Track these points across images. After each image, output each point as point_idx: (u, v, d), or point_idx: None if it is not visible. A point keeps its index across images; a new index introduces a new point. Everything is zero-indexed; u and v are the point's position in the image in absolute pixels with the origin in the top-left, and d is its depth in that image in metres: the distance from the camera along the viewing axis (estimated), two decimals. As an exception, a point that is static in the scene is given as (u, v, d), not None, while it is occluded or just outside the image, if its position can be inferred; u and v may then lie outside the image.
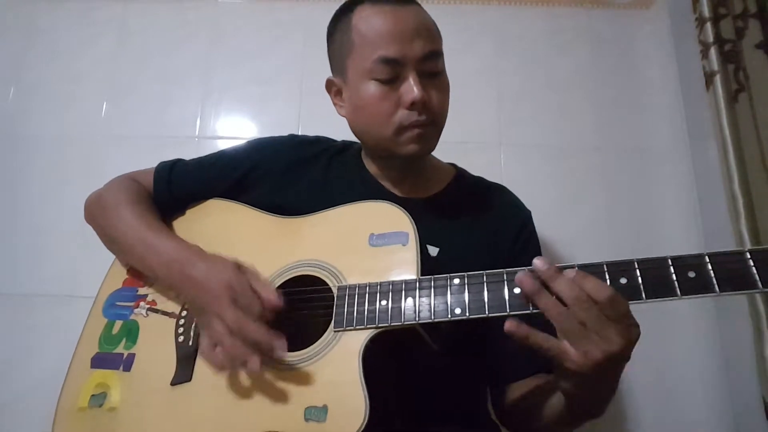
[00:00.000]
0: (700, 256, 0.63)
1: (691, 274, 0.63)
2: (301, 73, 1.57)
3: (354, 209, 0.88)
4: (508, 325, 0.66)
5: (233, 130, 1.55)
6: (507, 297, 0.70)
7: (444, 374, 0.87)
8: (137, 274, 0.96)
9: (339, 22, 0.96)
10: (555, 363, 0.68)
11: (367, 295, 0.76)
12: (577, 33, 1.60)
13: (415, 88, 0.86)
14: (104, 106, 1.56)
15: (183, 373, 0.82)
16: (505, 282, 0.71)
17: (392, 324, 0.73)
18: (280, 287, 0.85)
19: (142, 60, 1.60)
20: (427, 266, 0.78)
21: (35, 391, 1.31)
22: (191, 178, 1.03)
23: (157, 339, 0.88)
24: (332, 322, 0.77)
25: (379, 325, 0.74)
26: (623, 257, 0.67)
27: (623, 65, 1.57)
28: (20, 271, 1.43)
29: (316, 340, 0.77)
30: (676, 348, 1.35)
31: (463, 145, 1.47)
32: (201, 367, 0.82)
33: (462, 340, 0.90)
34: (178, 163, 1.06)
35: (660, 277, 0.64)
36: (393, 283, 0.76)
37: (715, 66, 1.30)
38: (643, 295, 0.64)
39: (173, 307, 0.90)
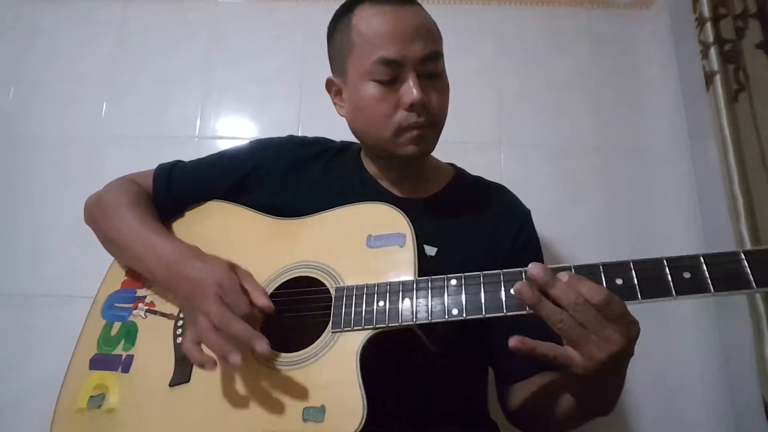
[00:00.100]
0: (695, 257, 0.64)
1: (687, 275, 0.63)
2: (301, 73, 1.57)
3: (352, 211, 0.88)
4: (514, 342, 0.65)
5: (233, 130, 1.55)
6: (504, 298, 0.70)
7: (442, 375, 0.87)
8: (136, 276, 0.96)
9: (339, 22, 0.95)
10: (562, 368, 0.68)
11: (364, 296, 0.76)
12: (577, 33, 1.60)
13: (414, 90, 0.86)
14: (104, 106, 1.56)
15: (181, 375, 0.82)
16: (502, 283, 0.71)
17: (390, 325, 0.73)
18: (278, 288, 0.85)
19: (142, 60, 1.61)
20: (425, 267, 0.78)
21: (35, 391, 1.31)
22: (190, 179, 1.03)
23: (155, 340, 0.88)
24: (330, 323, 0.77)
25: (377, 326, 0.74)
26: (623, 257, 0.67)
27: (623, 65, 1.57)
28: (20, 271, 1.43)
29: (314, 341, 0.77)
30: (676, 348, 1.35)
31: (463, 145, 1.47)
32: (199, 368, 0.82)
33: (459, 341, 0.90)
34: (177, 164, 1.06)
35: (655, 278, 0.64)
36: (390, 284, 0.76)
37: (715, 66, 1.30)
38: (639, 296, 0.65)
39: (171, 309, 0.90)
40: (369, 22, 0.89)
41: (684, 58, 1.47)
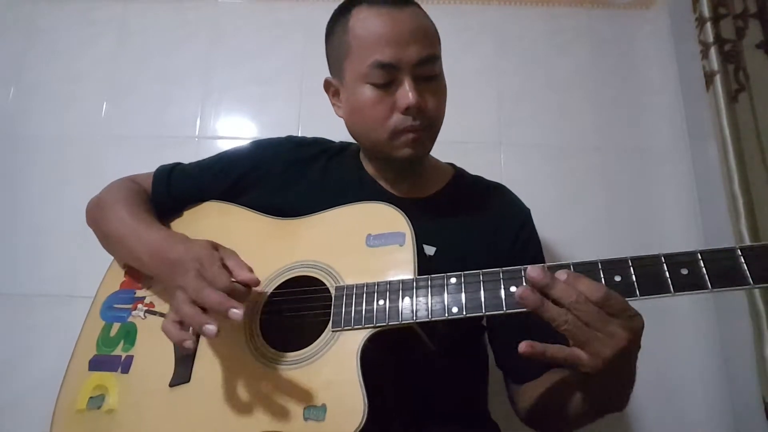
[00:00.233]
0: (693, 254, 0.64)
1: (684, 271, 0.64)
2: (301, 73, 1.57)
3: (351, 210, 0.88)
4: (523, 348, 0.65)
5: (233, 130, 1.55)
6: (504, 296, 0.70)
7: (442, 374, 0.87)
8: (135, 276, 0.96)
9: (336, 24, 0.95)
10: (571, 369, 0.68)
11: (364, 295, 0.76)
12: (577, 33, 1.60)
13: (410, 94, 0.86)
14: (104, 106, 1.56)
15: (181, 374, 0.82)
16: (502, 281, 0.71)
17: (390, 323, 0.73)
18: (278, 288, 0.85)
19: (142, 60, 1.61)
20: (424, 266, 0.78)
21: (35, 391, 1.31)
22: (190, 180, 1.04)
23: (155, 341, 0.87)
24: (330, 322, 0.77)
25: (377, 324, 0.74)
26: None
27: (623, 65, 1.57)
28: (20, 271, 1.43)
29: (315, 341, 0.77)
30: (676, 348, 1.35)
31: (463, 145, 1.47)
32: (200, 368, 0.82)
33: (459, 340, 0.90)
34: (177, 166, 1.07)
35: (653, 275, 0.65)
36: (390, 282, 0.76)
37: (715, 66, 1.30)
38: (637, 293, 0.65)
39: (171, 309, 0.90)
40: (365, 24, 0.89)
41: (684, 58, 1.47)
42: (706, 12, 1.34)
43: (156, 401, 0.82)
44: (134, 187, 1.01)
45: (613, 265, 0.67)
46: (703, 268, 0.63)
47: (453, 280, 0.73)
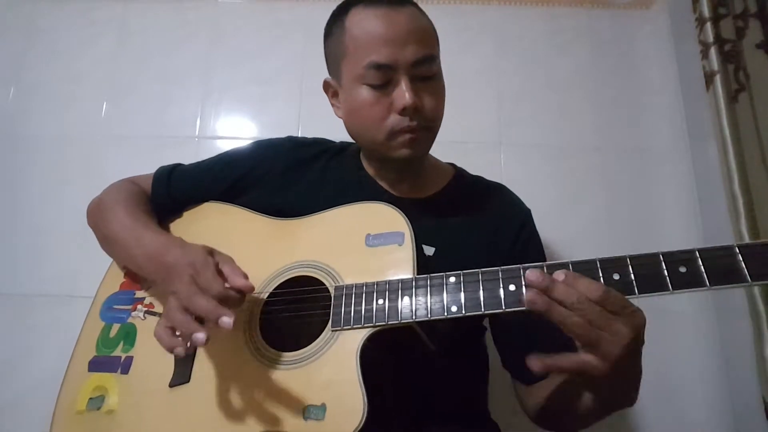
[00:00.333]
0: (691, 252, 0.65)
1: (682, 269, 0.64)
2: (301, 73, 1.57)
3: (350, 210, 0.88)
4: (537, 367, 0.65)
5: (233, 130, 1.55)
6: (503, 295, 0.70)
7: (442, 374, 0.87)
8: (134, 277, 0.96)
9: (333, 25, 0.95)
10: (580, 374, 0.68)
11: (363, 294, 0.76)
12: (577, 33, 1.60)
13: (407, 95, 0.86)
14: (104, 106, 1.57)
15: (181, 375, 0.82)
16: (501, 280, 0.71)
17: (389, 323, 0.73)
18: (277, 288, 0.85)
19: (142, 60, 1.61)
20: (424, 266, 0.78)
21: (35, 391, 1.31)
22: (190, 180, 1.04)
23: (154, 341, 0.86)
24: (330, 321, 0.77)
25: (376, 324, 0.74)
26: (623, 257, 0.68)
27: (623, 65, 1.57)
28: (20, 271, 1.43)
29: (314, 340, 0.77)
30: (676, 348, 1.35)
31: (463, 145, 1.47)
32: (199, 368, 0.82)
33: (459, 340, 0.90)
34: (177, 167, 1.06)
35: (652, 273, 0.65)
36: (389, 282, 0.76)
37: (715, 66, 1.30)
38: (636, 291, 0.65)
39: (171, 309, 0.90)
40: (361, 25, 0.89)
41: (684, 58, 1.47)
42: (706, 12, 1.34)
43: (156, 402, 0.82)
44: (134, 188, 1.01)
45: (612, 264, 0.67)
46: (702, 266, 0.63)
47: (452, 279, 0.73)
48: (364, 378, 0.70)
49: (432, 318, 0.72)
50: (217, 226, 0.98)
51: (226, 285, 0.75)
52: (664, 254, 0.65)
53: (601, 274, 0.66)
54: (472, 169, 1.11)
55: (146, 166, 1.08)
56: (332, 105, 1.00)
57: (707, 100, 1.32)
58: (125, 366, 0.87)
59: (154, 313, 0.91)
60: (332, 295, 0.78)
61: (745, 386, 1.20)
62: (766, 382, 1.12)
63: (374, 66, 0.86)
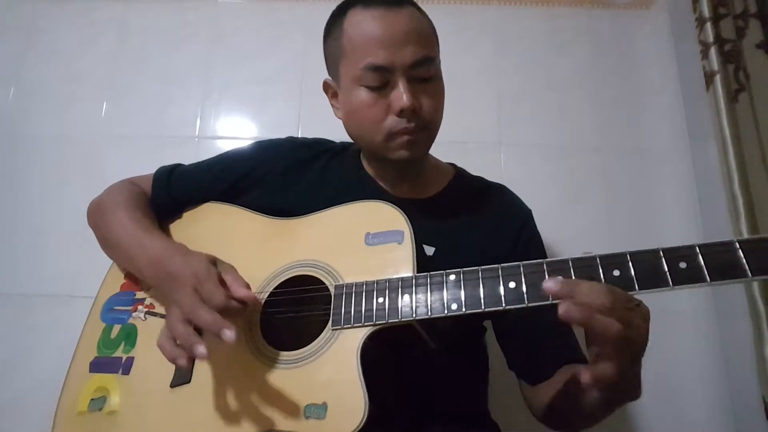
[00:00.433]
0: (691, 247, 0.64)
1: (683, 265, 0.64)
2: (301, 73, 1.57)
3: (350, 209, 0.88)
4: (587, 378, 0.63)
5: (233, 130, 1.55)
6: (503, 292, 0.70)
7: (443, 373, 0.87)
8: (135, 278, 0.96)
9: (332, 26, 0.95)
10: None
11: (363, 293, 0.76)
12: (577, 33, 1.60)
13: (404, 96, 0.85)
14: (104, 106, 1.57)
15: (182, 375, 0.82)
16: (501, 277, 0.70)
17: (389, 321, 0.73)
18: (277, 287, 0.85)
19: (142, 60, 1.61)
20: (423, 266, 0.78)
21: (35, 391, 1.31)
22: (190, 181, 1.04)
23: (155, 342, 0.87)
24: (330, 320, 0.77)
25: (377, 322, 0.74)
26: (623, 257, 0.67)
27: (623, 65, 1.57)
28: (20, 271, 1.43)
29: (314, 339, 0.77)
30: (676, 348, 1.34)
31: (463, 145, 1.47)
32: (200, 368, 0.82)
33: (459, 339, 0.90)
34: (177, 167, 1.06)
35: (652, 269, 0.65)
36: (389, 280, 0.76)
37: (715, 66, 1.30)
38: (636, 287, 0.65)
39: (171, 310, 0.90)
40: (358, 27, 0.89)
41: (684, 58, 1.47)
42: (706, 12, 1.33)
43: (157, 402, 0.82)
44: (135, 189, 1.01)
45: (612, 260, 0.67)
46: (702, 262, 0.63)
47: (452, 277, 0.73)
48: (364, 376, 0.70)
49: (432, 316, 0.72)
50: (218, 227, 0.98)
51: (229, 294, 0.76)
52: (664, 250, 0.65)
53: (601, 271, 0.66)
54: (472, 169, 1.11)
55: (146, 166, 1.07)
56: (332, 105, 1.00)
57: (707, 100, 1.32)
58: (126, 367, 0.87)
59: (155, 314, 0.91)
60: (332, 294, 0.78)
61: (745, 386, 1.20)
62: (766, 382, 1.12)
63: (371, 68, 0.86)
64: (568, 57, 1.58)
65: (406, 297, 0.74)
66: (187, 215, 1.02)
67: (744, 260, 0.62)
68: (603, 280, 0.65)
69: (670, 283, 0.64)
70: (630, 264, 0.66)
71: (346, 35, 0.90)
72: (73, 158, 1.51)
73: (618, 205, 1.45)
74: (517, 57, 1.58)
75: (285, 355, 0.77)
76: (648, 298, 0.64)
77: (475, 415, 0.96)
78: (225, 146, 1.12)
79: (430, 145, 0.96)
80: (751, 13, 1.33)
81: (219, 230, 0.97)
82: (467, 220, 0.98)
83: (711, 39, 1.31)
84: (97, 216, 1.00)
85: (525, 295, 0.68)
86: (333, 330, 0.76)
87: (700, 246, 0.64)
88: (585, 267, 0.67)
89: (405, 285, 0.75)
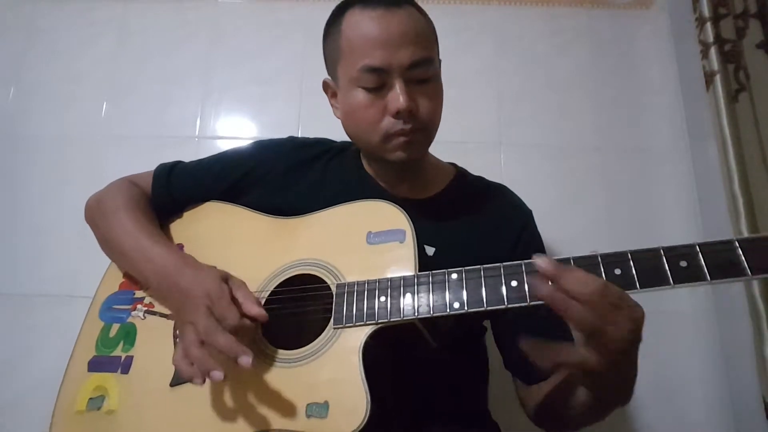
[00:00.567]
0: (692, 246, 0.65)
1: (683, 264, 0.65)
2: (301, 73, 1.57)
3: (351, 208, 0.88)
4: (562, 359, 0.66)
5: (233, 130, 1.55)
6: (505, 291, 0.70)
7: (444, 372, 0.87)
8: (134, 278, 0.95)
9: (331, 27, 0.95)
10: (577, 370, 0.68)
11: (365, 292, 0.76)
12: (577, 33, 1.60)
13: (401, 98, 0.85)
14: (104, 106, 1.56)
15: (182, 374, 0.82)
16: (503, 276, 0.71)
17: (391, 320, 0.73)
18: (279, 286, 0.85)
19: (142, 60, 1.61)
20: (424, 266, 0.78)
21: (35, 391, 1.31)
22: (190, 179, 1.03)
23: (155, 341, 0.87)
24: (331, 319, 0.77)
25: (379, 321, 0.74)
26: (623, 257, 0.67)
27: (623, 65, 1.57)
28: (20, 271, 1.43)
29: (316, 338, 0.77)
30: (676, 348, 1.35)
31: (463, 145, 1.47)
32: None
33: (461, 338, 0.90)
34: (177, 165, 1.06)
35: (653, 267, 0.65)
36: (391, 279, 0.76)
37: (715, 66, 1.30)
38: (637, 285, 0.65)
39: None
40: (355, 28, 0.88)
41: (684, 58, 1.47)
42: (706, 12, 1.34)
43: (156, 401, 0.81)
44: (135, 190, 1.00)
45: (613, 259, 0.67)
46: (702, 260, 0.64)
47: (454, 276, 0.73)
48: (366, 375, 0.70)
49: (434, 314, 0.72)
50: (218, 226, 0.97)
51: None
52: (664, 249, 0.66)
53: (602, 269, 0.67)
54: (472, 169, 1.11)
55: (146, 166, 1.07)
56: (332, 105, 1.00)
57: (707, 100, 1.32)
58: (125, 366, 0.87)
59: (154, 313, 0.91)
60: (334, 293, 0.79)
61: (745, 386, 1.20)
62: (766, 382, 1.12)
63: (368, 69, 0.86)
64: (568, 57, 1.58)
65: (408, 296, 0.74)
66: (188, 214, 1.02)
67: (744, 259, 0.63)
68: (605, 278, 0.66)
69: (671, 281, 0.64)
70: (631, 262, 0.66)
71: (343, 36, 0.90)
72: (73, 158, 1.51)
73: (618, 205, 1.45)
74: (517, 57, 1.58)
75: (286, 353, 0.77)
76: (648, 297, 0.64)
77: (476, 415, 0.96)
78: (225, 146, 1.12)
79: (428, 147, 0.96)
80: (751, 13, 1.33)
81: (220, 229, 0.97)
82: (467, 221, 0.98)
83: (711, 39, 1.32)
84: (97, 214, 0.99)
85: (527, 294, 0.68)
86: (334, 329, 0.76)
87: (700, 245, 0.65)
88: (587, 265, 0.67)
89: (407, 284, 0.75)
